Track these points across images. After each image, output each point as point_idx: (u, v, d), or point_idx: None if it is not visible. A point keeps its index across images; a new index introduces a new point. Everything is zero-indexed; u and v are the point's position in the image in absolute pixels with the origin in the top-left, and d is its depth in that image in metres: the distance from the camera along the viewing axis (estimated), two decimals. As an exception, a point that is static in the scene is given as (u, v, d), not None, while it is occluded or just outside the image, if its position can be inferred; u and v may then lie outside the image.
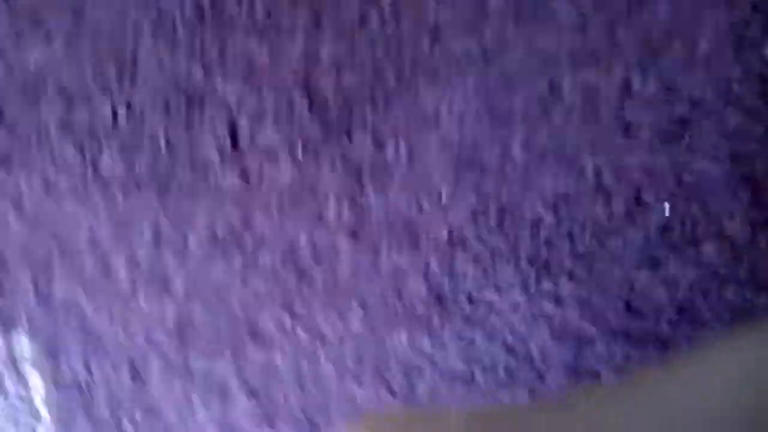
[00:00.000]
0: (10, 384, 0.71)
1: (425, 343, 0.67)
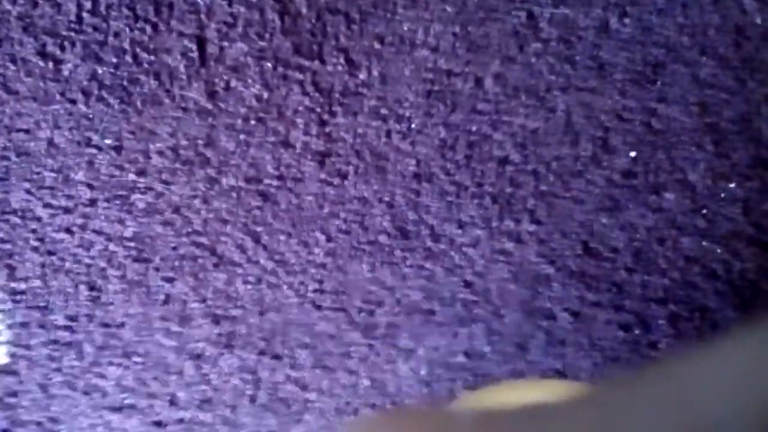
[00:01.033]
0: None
1: (387, 275, 0.32)
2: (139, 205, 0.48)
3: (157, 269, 0.49)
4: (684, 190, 0.50)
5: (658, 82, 0.48)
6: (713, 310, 0.50)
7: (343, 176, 0.49)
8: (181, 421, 0.51)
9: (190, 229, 0.49)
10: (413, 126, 0.48)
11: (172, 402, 0.51)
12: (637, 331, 0.51)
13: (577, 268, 0.50)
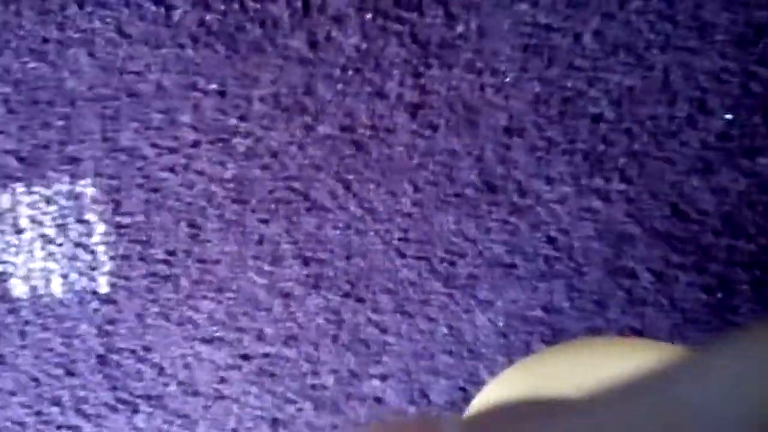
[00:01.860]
0: (73, 229, 0.53)
1: (471, 227, 0.34)
2: (240, 148, 0.51)
3: (253, 211, 0.52)
4: (780, 155, 0.49)
5: (760, 44, 0.47)
6: (801, 280, 0.50)
7: (434, 128, 0.50)
8: (266, 355, 0.54)
9: (286, 174, 0.52)
10: (507, 80, 0.49)
11: (260, 337, 0.54)
12: (719, 295, 0.51)
13: (664, 229, 0.50)
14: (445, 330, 0.53)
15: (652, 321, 0.52)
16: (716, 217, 0.50)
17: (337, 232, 0.52)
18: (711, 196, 0.50)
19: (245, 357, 0.55)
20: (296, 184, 0.52)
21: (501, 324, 0.52)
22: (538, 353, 0.47)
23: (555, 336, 0.52)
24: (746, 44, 0.48)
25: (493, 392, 0.31)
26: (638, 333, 0.51)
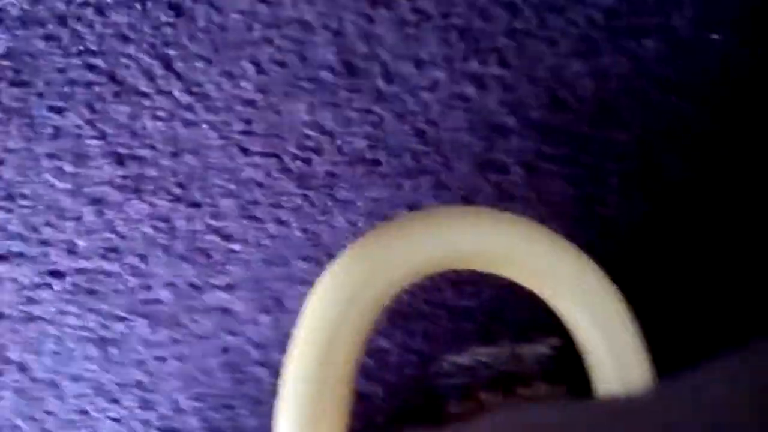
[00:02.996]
0: None
1: (327, 118, 0.23)
2: (12, 12, 0.37)
3: (40, 95, 0.39)
4: (665, 37, 0.44)
5: None
6: (666, 168, 0.48)
7: (280, -8, 0.39)
8: (82, 271, 0.45)
9: (81, 47, 0.39)
10: (371, -68, 0.38)
11: (70, 250, 0.44)
12: (588, 188, 0.48)
13: (539, 118, 0.45)
14: (299, 234, 0.46)
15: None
16: (593, 105, 0.46)
17: (159, 123, 0.42)
18: (591, 82, 0.45)
19: (55, 273, 0.45)
20: (96, 61, 0.39)
21: (361, 225, 0.47)
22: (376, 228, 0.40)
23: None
24: None
25: (332, 278, 0.30)
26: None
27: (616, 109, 0.46)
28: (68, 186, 0.42)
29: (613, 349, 0.30)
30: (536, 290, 0.34)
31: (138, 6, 0.38)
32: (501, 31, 0.42)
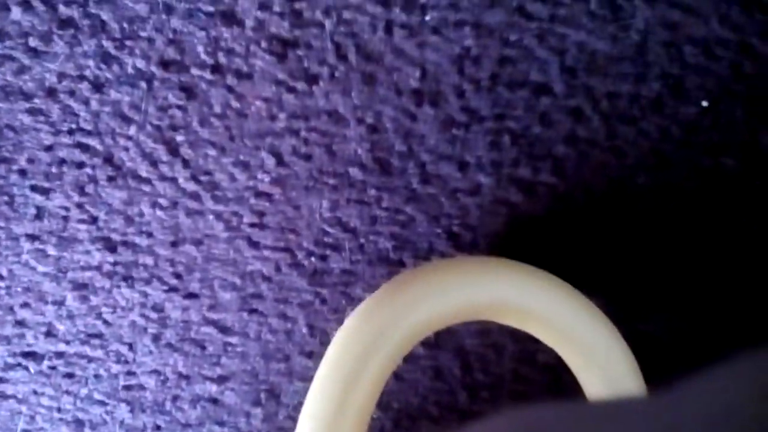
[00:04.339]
0: None
1: (351, 215, 0.21)
2: (-13, 88, 0.31)
3: (22, 173, 0.34)
4: (748, 155, 0.40)
5: (774, 14, 0.35)
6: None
7: (312, 79, 0.34)
8: (60, 354, 0.41)
9: (73, 125, 0.34)
10: (427, 19, 0.33)
11: (49, 333, 0.40)
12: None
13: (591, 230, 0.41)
14: (305, 330, 0.42)
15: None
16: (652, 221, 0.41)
17: (158, 210, 0.37)
18: (655, 197, 0.40)
19: (30, 355, 0.41)
20: (90, 141, 0.34)
21: (377, 325, 0.42)
22: (395, 280, 0.38)
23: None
24: (754, 6, 0.35)
25: (353, 324, 0.31)
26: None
27: (677, 226, 0.42)
28: (50, 269, 0.38)
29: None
30: (549, 342, 0.34)
31: (143, 84, 0.33)
32: (560, 137, 0.37)
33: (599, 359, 0.33)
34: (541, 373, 0.42)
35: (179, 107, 0.34)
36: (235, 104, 0.34)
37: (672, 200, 0.40)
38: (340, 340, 0.32)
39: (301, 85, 0.34)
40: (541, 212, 0.40)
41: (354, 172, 0.37)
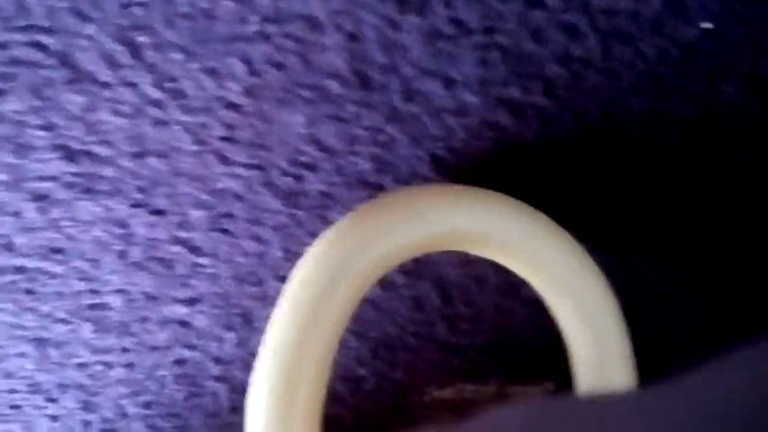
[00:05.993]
0: None
1: (329, 133, 0.19)
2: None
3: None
4: (748, 84, 0.38)
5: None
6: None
7: (287, -20, 0.32)
8: (20, 269, 0.40)
9: (24, 22, 0.32)
10: None
11: (8, 247, 0.39)
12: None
13: (578, 155, 0.40)
14: (280, 254, 0.42)
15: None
16: (645, 149, 0.40)
17: (120, 118, 0.35)
18: (649, 123, 0.39)
19: (-13, 268, 0.40)
20: (43, 38, 0.33)
21: (353, 250, 0.42)
22: (368, 204, 0.39)
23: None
24: None
25: (323, 246, 0.31)
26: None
27: (671, 156, 0.41)
28: (6, 177, 0.37)
29: (598, 345, 0.31)
30: (523, 275, 0.34)
31: (102, -23, 0.31)
32: (553, 56, 0.36)
33: (573, 290, 0.32)
34: (524, 307, 0.42)
35: (141, 4, 0.32)
36: (201, 3, 0.32)
37: (667, 127, 0.39)
38: (308, 260, 0.31)
39: (275, -15, 0.32)
40: (530, 136, 0.39)
41: (331, 84, 0.35)
